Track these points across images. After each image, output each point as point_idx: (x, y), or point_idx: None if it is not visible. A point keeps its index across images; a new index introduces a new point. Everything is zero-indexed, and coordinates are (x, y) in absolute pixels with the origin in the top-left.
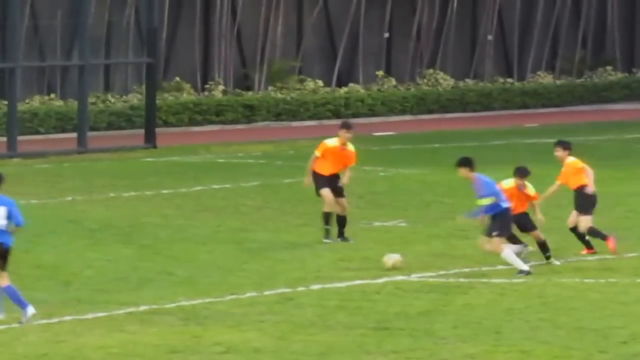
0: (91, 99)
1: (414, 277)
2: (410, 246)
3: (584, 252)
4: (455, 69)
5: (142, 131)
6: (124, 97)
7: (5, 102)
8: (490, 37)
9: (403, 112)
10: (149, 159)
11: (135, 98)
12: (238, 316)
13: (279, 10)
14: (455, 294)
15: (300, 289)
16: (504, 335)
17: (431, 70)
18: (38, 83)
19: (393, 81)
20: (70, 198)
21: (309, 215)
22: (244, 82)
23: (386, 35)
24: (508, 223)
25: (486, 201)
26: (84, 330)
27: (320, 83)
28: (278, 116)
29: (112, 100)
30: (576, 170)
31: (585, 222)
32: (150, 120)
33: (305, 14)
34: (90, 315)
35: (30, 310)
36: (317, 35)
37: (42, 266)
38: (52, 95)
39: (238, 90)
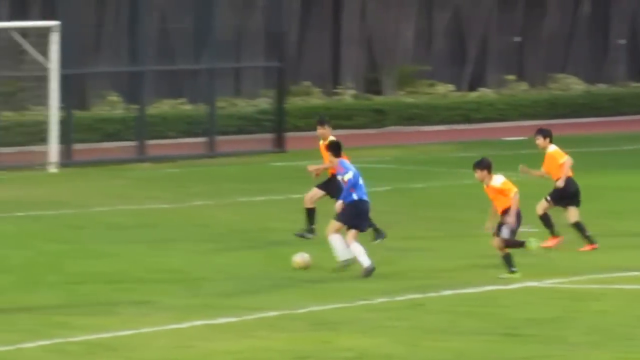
0: (220, 103)
1: (545, 283)
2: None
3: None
4: (586, 73)
5: (271, 135)
6: (253, 101)
7: (135, 106)
8: (622, 41)
9: (534, 116)
10: (278, 164)
11: (265, 102)
12: (368, 321)
13: (410, 13)
14: (587, 300)
15: (431, 294)
16: (637, 342)
17: (562, 75)
18: (168, 87)
19: (524, 85)
20: (199, 202)
21: (439, 220)
22: (374, 86)
23: (517, 39)
24: (352, 214)
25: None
26: (213, 336)
27: (451, 87)
28: (408, 120)
29: (242, 104)
30: (557, 163)
31: (572, 214)
32: (279, 125)
33: (436, 18)
34: (220, 320)
35: None
36: (447, 38)
37: (171, 270)
38: (182, 99)
39: (368, 95)
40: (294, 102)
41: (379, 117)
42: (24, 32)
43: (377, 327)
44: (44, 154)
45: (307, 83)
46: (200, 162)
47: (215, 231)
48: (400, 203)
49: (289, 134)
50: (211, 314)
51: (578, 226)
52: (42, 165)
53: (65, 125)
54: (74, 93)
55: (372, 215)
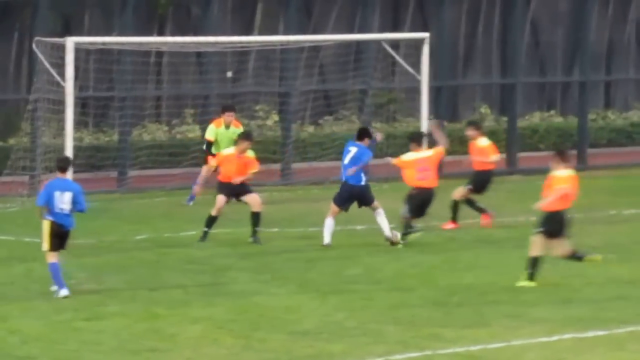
0: (591, 116)
1: None
2: None
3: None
4: None
5: None
6: (624, 113)
7: (506, 118)
8: None
9: None
10: None
11: (636, 115)
12: None
13: None
14: None
15: None
16: None
17: None
18: (538, 99)
19: None
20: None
21: None
22: None
23: None
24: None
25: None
26: (583, 349)
27: None
28: None
29: (612, 116)
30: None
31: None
32: None
33: None
34: (590, 334)
35: (63, 292)
36: None
37: (542, 283)
38: (552, 112)
39: None
40: None
41: None
42: (395, 43)
43: None
44: None
45: None
46: None
47: (587, 243)
48: None
49: None
50: (581, 327)
51: (455, 204)
52: None
53: None
54: (445, 105)
55: None
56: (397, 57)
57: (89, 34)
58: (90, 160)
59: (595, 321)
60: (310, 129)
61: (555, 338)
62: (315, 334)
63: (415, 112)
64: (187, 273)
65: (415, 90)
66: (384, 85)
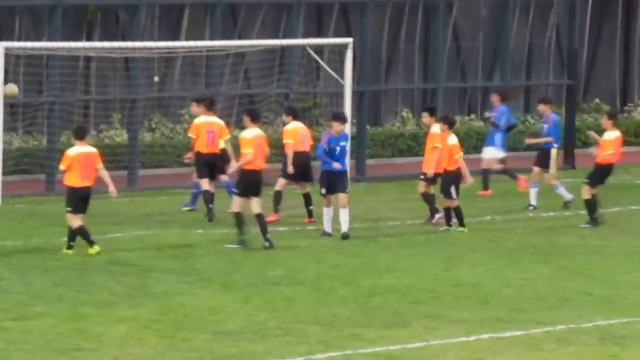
0: None
1: None
2: None
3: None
4: None
5: (561, 152)
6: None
7: None
8: None
9: None
10: (567, 180)
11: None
12: None
13: None
14: None
15: None
16: None
17: None
18: (459, 103)
19: None
20: (488, 217)
21: None
22: None
23: None
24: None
25: None
26: (501, 349)
27: None
28: None
29: (532, 121)
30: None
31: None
32: (569, 141)
33: None
34: (507, 334)
35: None
36: None
37: (461, 285)
38: (472, 116)
39: None
40: (584, 119)
41: None
42: (319, 48)
43: None
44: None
45: (597, 100)
46: (492, 177)
47: (504, 246)
48: None
49: (579, 151)
50: (499, 327)
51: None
52: None
53: (359, 140)
54: (368, 109)
55: None
56: (321, 62)
57: (19, 40)
58: (19, 163)
59: (512, 321)
60: (236, 132)
61: (473, 338)
62: (238, 334)
63: None
64: (113, 274)
65: (339, 95)
66: (308, 90)
